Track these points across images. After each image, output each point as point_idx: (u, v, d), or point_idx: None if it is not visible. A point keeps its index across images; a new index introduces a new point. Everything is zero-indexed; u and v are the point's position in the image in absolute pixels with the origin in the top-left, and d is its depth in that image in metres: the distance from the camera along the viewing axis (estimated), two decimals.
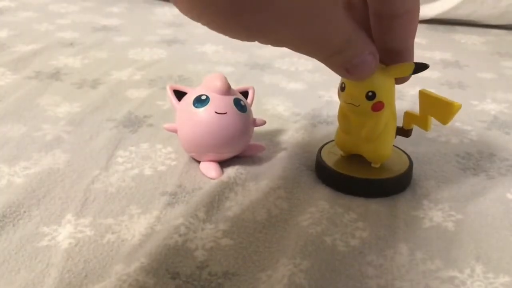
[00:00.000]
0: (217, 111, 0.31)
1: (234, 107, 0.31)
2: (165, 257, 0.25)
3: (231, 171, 0.32)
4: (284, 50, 0.65)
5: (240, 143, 0.32)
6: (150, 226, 0.27)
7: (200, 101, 0.31)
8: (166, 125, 0.33)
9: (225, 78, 0.32)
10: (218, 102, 0.31)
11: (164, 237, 0.26)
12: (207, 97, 0.31)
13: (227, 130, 0.31)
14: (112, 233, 0.27)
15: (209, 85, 0.32)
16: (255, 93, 0.35)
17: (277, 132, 0.38)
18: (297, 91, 0.46)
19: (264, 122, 0.34)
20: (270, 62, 0.53)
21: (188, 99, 0.32)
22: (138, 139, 0.36)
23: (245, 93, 0.34)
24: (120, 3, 0.74)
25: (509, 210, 0.30)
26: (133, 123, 0.38)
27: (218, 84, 0.31)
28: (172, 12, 0.71)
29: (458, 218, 0.29)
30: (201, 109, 0.31)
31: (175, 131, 0.33)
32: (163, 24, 0.66)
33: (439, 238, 0.28)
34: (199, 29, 0.64)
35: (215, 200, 0.29)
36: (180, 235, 0.26)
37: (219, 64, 0.52)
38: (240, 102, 0.32)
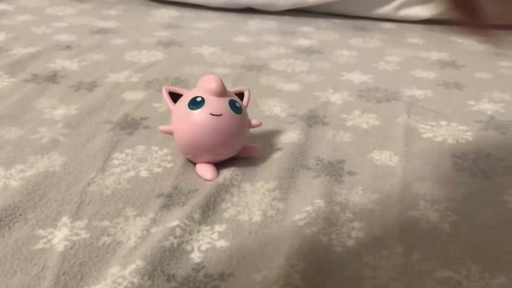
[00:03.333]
0: (212, 113, 0.31)
1: (229, 108, 0.31)
2: (161, 259, 0.25)
3: (227, 172, 0.32)
4: (280, 51, 0.65)
5: (236, 144, 0.32)
6: (145, 228, 0.27)
7: (195, 103, 0.31)
8: (162, 127, 0.33)
9: (220, 80, 0.32)
10: (213, 104, 0.31)
11: (160, 239, 0.26)
12: (202, 99, 0.31)
13: (223, 132, 0.31)
14: (108, 235, 0.27)
15: (204, 87, 0.32)
16: (251, 95, 0.35)
17: (274, 133, 0.38)
18: (293, 92, 0.46)
19: (260, 124, 0.34)
20: (267, 64, 0.53)
21: (184, 101, 0.32)
22: (135, 141, 0.36)
23: (240, 95, 0.34)
24: (118, 5, 0.74)
25: (506, 210, 0.30)
26: (129, 125, 0.38)
27: (213, 86, 0.31)
28: (169, 14, 0.71)
29: (454, 219, 0.29)
30: (197, 111, 0.31)
31: (170, 133, 0.33)
32: (160, 26, 0.66)
33: (435, 239, 0.28)
34: (196, 31, 0.64)
35: (211, 202, 0.29)
36: (175, 237, 0.26)
37: (216, 66, 0.52)
38: (235, 103, 0.32)
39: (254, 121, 0.34)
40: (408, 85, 0.49)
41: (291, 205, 0.30)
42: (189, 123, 0.31)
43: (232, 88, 0.34)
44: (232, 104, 0.32)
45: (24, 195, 0.29)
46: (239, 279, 0.24)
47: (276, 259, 0.25)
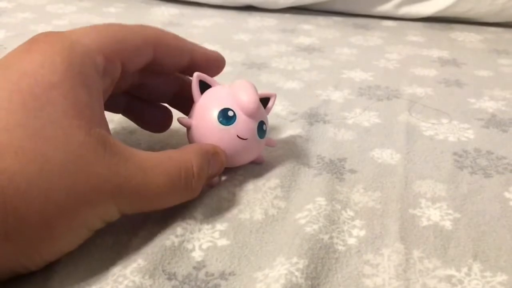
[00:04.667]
0: (240, 136, 0.29)
1: (256, 132, 0.30)
2: (162, 258, 0.25)
3: (228, 171, 0.32)
4: (281, 49, 0.65)
5: (248, 162, 0.32)
6: (146, 227, 0.27)
7: (226, 117, 0.29)
8: (181, 119, 0.31)
9: (256, 94, 0.30)
10: (243, 125, 0.29)
11: (161, 238, 0.26)
12: (234, 115, 0.29)
13: (242, 155, 0.30)
14: (109, 234, 0.27)
15: (238, 101, 0.29)
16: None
17: (274, 131, 0.38)
18: (294, 90, 0.46)
19: (275, 145, 0.33)
20: (267, 62, 0.53)
21: (212, 102, 0.30)
22: (136, 139, 0.36)
23: (263, 98, 0.32)
24: (117, 3, 0.74)
25: (507, 208, 0.30)
26: (131, 124, 0.38)
27: (249, 107, 0.29)
28: (169, 11, 0.71)
29: (455, 217, 0.29)
30: (224, 128, 0.29)
31: (189, 126, 0.31)
32: (161, 24, 0.66)
33: (436, 237, 0.28)
34: (196, 29, 0.64)
35: (212, 201, 0.29)
36: (176, 236, 0.26)
37: None
38: (263, 126, 0.30)
39: (273, 142, 0.33)
40: (409, 83, 0.49)
41: (292, 203, 0.30)
42: (212, 135, 0.29)
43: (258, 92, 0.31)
44: (260, 127, 0.30)
45: None
46: (240, 278, 0.24)
47: (277, 258, 0.25)
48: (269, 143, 0.33)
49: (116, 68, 0.27)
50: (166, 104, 0.35)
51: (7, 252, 0.21)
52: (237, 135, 0.29)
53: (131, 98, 0.34)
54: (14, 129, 0.21)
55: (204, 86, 0.31)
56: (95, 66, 0.25)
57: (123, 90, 0.32)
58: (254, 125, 0.30)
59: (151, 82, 0.33)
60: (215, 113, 0.29)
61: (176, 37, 0.31)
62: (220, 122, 0.29)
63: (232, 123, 0.29)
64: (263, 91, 0.33)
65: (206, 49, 0.32)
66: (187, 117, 0.31)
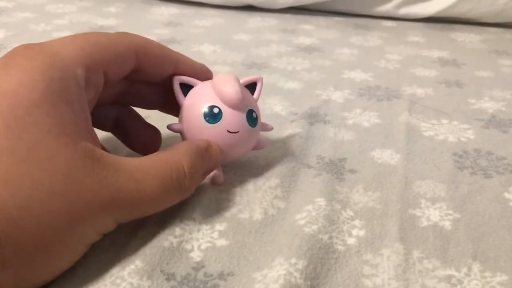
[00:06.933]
0: (230, 130, 0.29)
1: (246, 123, 0.29)
2: (160, 259, 0.25)
3: (228, 171, 0.32)
4: (281, 49, 0.65)
5: (245, 154, 0.32)
6: (145, 228, 0.27)
7: (212, 116, 0.29)
8: (171, 125, 0.30)
9: (238, 85, 0.29)
10: (231, 119, 0.29)
11: (159, 239, 0.26)
12: (220, 111, 0.29)
13: (237, 149, 0.30)
14: (107, 235, 0.27)
15: (221, 96, 0.29)
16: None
17: (274, 132, 0.38)
18: (294, 90, 0.46)
19: (272, 128, 0.33)
20: (267, 62, 0.53)
21: (195, 100, 0.29)
22: None
23: (250, 84, 0.32)
24: (117, 3, 0.74)
25: (506, 209, 0.30)
26: None
27: (232, 99, 0.28)
28: (169, 11, 0.71)
29: (455, 217, 0.29)
30: (213, 126, 0.29)
31: (179, 131, 0.30)
32: (161, 24, 0.66)
33: (436, 237, 0.27)
34: (197, 29, 0.64)
35: (211, 201, 0.29)
36: (175, 237, 0.26)
37: (216, 63, 0.52)
38: (252, 114, 0.30)
39: (268, 125, 0.32)
40: (409, 83, 0.48)
41: (292, 204, 0.30)
42: (203, 136, 0.29)
43: (242, 78, 0.31)
44: (249, 116, 0.30)
45: None
46: (239, 278, 0.24)
47: (276, 258, 0.25)
48: (265, 128, 0.32)
49: (99, 77, 0.26)
50: (155, 120, 0.34)
51: (6, 280, 0.21)
52: (227, 130, 0.29)
53: (120, 115, 0.33)
54: (0, 155, 0.20)
55: (187, 88, 0.30)
56: (76, 78, 0.24)
57: (110, 100, 0.31)
58: (243, 116, 0.29)
59: (137, 89, 0.32)
60: (201, 113, 0.29)
61: (160, 46, 0.30)
62: (207, 121, 0.29)
63: (219, 119, 0.29)
64: (249, 77, 0.32)
65: (192, 61, 0.31)
66: (176, 123, 0.31)
